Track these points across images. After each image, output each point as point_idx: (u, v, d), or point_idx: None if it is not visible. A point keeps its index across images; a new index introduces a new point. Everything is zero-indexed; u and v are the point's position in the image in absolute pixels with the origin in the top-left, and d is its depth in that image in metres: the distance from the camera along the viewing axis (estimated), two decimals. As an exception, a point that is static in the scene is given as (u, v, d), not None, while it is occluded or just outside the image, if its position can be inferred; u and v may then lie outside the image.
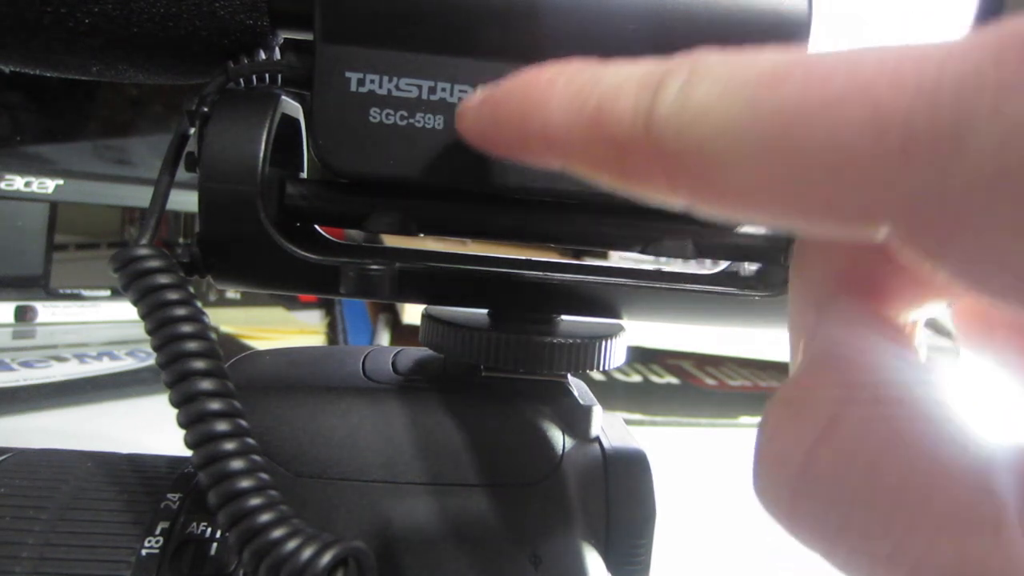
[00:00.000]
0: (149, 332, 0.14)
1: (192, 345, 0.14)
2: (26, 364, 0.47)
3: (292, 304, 0.75)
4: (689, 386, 0.62)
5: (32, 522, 0.17)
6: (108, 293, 0.55)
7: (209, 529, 0.17)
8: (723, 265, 0.20)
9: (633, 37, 0.15)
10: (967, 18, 1.02)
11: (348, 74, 0.15)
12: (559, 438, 0.18)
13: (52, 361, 0.48)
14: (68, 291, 0.54)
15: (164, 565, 0.16)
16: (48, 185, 0.44)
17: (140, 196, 0.49)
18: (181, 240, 0.69)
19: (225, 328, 0.61)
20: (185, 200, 0.51)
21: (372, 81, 0.15)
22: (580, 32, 0.15)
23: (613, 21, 0.15)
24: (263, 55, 0.17)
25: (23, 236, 0.54)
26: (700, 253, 0.18)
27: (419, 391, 0.18)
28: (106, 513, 0.17)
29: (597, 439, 0.19)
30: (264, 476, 0.14)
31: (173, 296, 0.14)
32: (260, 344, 0.58)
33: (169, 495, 0.17)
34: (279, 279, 0.17)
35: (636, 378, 0.62)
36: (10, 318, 0.51)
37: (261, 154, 0.15)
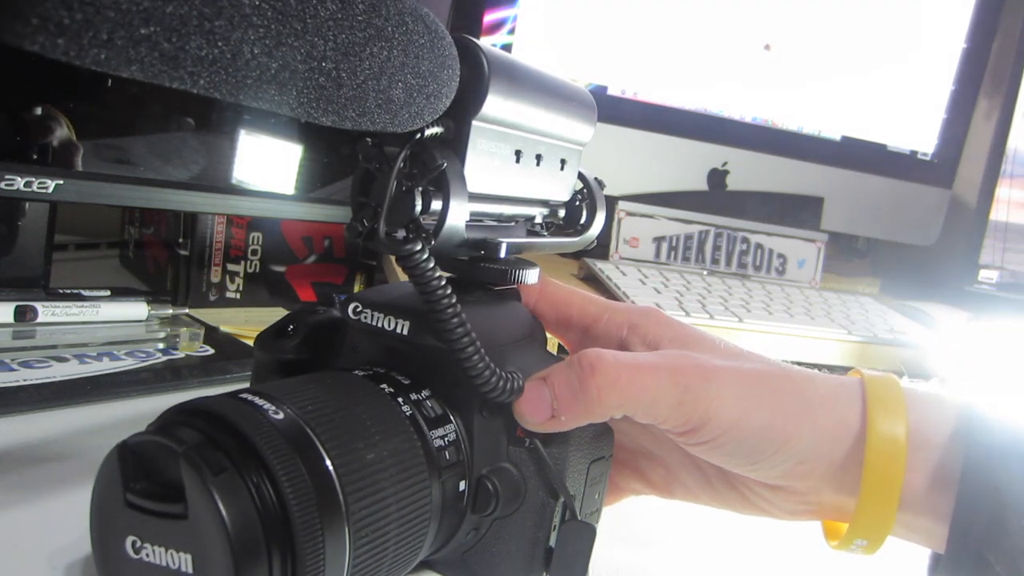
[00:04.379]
0: (420, 286, 0.28)
1: (443, 292, 0.28)
2: (26, 364, 0.47)
3: (291, 304, 0.75)
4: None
5: (348, 410, 0.27)
6: (108, 293, 0.55)
7: (410, 407, 0.30)
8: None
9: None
10: (966, 17, 1.02)
11: (479, 139, 0.30)
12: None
13: (52, 361, 0.48)
14: (68, 291, 0.54)
15: (418, 416, 0.30)
16: (48, 185, 0.44)
17: (140, 196, 0.49)
18: (180, 239, 0.69)
19: (225, 328, 0.61)
20: (186, 200, 0.51)
21: (486, 142, 0.31)
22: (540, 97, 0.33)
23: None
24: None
25: (23, 236, 0.54)
26: (545, 217, 0.38)
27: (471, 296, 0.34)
28: (370, 407, 0.28)
29: None
30: (482, 350, 0.29)
31: (430, 265, 0.28)
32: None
33: (384, 386, 0.30)
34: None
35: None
36: (10, 318, 0.51)
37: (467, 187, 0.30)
